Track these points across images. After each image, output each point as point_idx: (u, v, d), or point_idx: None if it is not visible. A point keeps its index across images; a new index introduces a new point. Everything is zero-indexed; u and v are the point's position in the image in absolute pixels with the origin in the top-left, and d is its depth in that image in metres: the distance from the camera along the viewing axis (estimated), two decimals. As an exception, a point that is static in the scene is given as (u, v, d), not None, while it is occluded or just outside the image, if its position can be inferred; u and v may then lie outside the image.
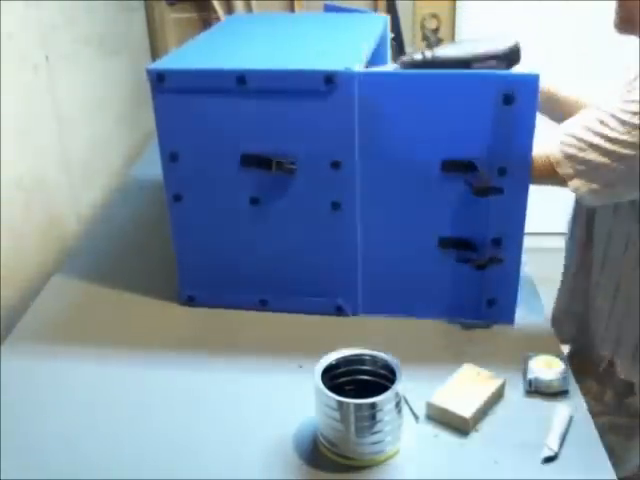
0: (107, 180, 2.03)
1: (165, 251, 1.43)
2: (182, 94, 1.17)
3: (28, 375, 1.18)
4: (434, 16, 2.70)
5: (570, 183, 1.13)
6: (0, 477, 0.96)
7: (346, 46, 1.32)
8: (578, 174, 1.12)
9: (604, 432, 1.14)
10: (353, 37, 1.40)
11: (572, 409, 1.03)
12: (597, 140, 1.09)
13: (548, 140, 1.16)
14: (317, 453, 0.99)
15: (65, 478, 0.96)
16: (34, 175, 1.59)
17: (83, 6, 1.91)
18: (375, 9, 2.59)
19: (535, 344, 1.16)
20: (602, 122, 1.10)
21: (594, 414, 1.08)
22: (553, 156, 1.13)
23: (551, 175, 1.14)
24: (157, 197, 1.77)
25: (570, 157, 1.12)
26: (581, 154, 1.11)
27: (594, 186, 1.11)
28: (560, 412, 1.02)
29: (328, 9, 1.84)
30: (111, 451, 1.01)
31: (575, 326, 1.41)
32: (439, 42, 2.74)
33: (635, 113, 1.06)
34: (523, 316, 1.26)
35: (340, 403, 0.94)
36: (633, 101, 1.07)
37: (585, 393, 1.13)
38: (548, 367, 1.08)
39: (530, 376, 1.07)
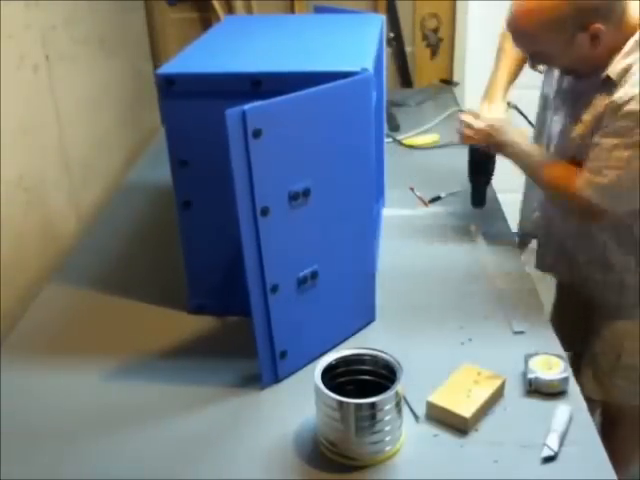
0: (107, 180, 2.03)
1: (167, 253, 1.43)
2: (192, 98, 1.14)
3: (26, 380, 1.17)
4: (434, 16, 2.70)
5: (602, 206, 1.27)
6: (0, 477, 0.96)
7: (353, 46, 1.31)
8: (606, 199, 1.26)
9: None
10: (356, 37, 1.40)
11: (572, 409, 1.03)
12: (613, 160, 1.22)
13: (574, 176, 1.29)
14: (317, 453, 0.99)
15: (65, 479, 0.97)
16: (34, 175, 1.59)
17: (83, 6, 1.91)
18: (375, 9, 2.59)
19: (535, 344, 1.16)
20: (605, 146, 1.22)
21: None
22: (587, 195, 1.26)
23: (583, 207, 1.29)
24: (158, 198, 1.78)
25: (599, 190, 1.25)
26: (605, 180, 1.24)
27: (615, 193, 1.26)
28: (560, 412, 1.02)
29: (318, 10, 1.83)
30: (111, 452, 1.01)
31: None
32: (439, 42, 2.74)
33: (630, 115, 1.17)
34: (523, 316, 1.26)
35: (340, 403, 0.94)
36: (624, 114, 1.18)
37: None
38: (548, 367, 1.08)
39: (530, 376, 1.07)
